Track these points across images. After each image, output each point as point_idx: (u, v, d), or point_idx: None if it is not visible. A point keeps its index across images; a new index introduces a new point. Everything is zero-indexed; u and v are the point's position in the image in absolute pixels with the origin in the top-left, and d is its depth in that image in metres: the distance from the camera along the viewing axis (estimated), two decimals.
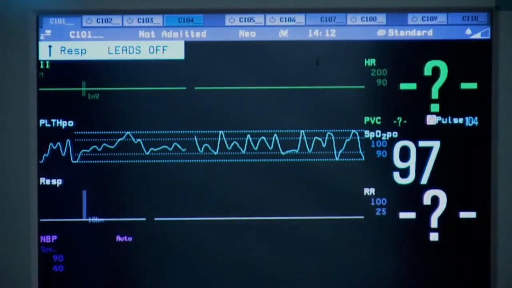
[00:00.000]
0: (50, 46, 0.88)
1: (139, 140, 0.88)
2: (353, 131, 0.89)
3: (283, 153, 0.89)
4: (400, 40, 0.88)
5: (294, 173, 0.89)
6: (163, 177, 0.88)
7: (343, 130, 0.89)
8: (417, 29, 0.89)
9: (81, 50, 0.88)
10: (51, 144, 0.88)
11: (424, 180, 0.89)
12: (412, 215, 0.90)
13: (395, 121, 0.89)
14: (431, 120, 0.89)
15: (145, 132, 0.88)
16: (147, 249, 0.88)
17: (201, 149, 0.88)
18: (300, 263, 0.89)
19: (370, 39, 0.88)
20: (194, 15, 0.88)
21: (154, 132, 0.88)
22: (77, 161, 0.88)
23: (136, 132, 0.88)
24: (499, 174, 0.88)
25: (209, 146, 0.88)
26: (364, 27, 0.88)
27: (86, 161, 0.88)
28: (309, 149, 0.89)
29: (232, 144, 0.88)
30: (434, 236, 0.90)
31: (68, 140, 0.88)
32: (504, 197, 0.88)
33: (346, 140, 0.89)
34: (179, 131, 0.88)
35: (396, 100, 0.88)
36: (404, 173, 0.89)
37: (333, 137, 0.89)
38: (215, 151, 0.88)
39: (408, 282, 0.89)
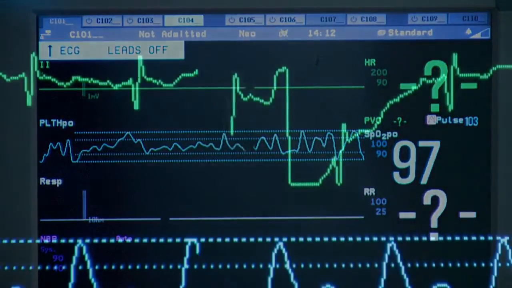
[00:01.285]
0: (50, 46, 0.88)
1: (139, 140, 0.88)
2: (352, 131, 0.89)
3: (283, 153, 0.89)
4: (400, 40, 0.88)
5: (294, 173, 0.89)
6: (163, 177, 0.88)
7: (343, 130, 0.89)
8: (417, 29, 0.89)
9: (81, 50, 0.88)
10: (51, 144, 0.88)
11: (424, 180, 0.89)
12: (412, 215, 0.90)
13: (395, 121, 0.89)
14: (431, 120, 0.89)
15: (145, 132, 0.88)
16: (147, 249, 0.88)
17: (201, 149, 0.88)
18: (299, 262, 0.89)
19: (370, 39, 0.88)
20: (194, 15, 0.88)
21: (154, 132, 0.88)
22: (77, 161, 0.88)
23: (136, 132, 0.88)
24: (499, 174, 0.88)
25: (208, 146, 0.88)
26: (364, 27, 0.88)
27: (86, 161, 0.88)
28: (309, 149, 0.89)
29: (232, 144, 0.88)
30: (434, 236, 0.90)
31: (68, 140, 0.88)
32: (504, 197, 0.88)
33: (346, 140, 0.89)
34: (179, 131, 0.88)
35: (396, 100, 0.88)
36: (404, 173, 0.89)
37: (333, 137, 0.89)
38: (215, 151, 0.88)
39: (408, 282, 0.89)
